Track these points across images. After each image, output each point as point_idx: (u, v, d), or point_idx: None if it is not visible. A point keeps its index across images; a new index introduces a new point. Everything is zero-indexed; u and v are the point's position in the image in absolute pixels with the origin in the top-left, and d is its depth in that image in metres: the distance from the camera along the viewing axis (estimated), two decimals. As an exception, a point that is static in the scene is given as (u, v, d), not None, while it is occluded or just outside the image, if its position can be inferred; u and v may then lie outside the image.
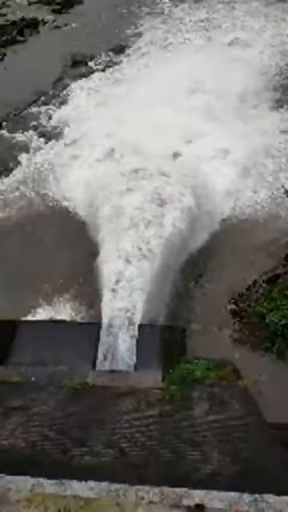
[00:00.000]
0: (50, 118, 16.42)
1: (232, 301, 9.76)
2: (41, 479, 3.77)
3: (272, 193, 12.41)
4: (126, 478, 4.13)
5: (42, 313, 9.78)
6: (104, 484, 3.81)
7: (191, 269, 10.45)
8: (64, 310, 9.84)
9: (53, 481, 3.75)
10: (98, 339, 8.39)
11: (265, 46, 18.91)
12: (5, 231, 12.06)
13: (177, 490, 3.78)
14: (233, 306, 9.67)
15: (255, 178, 12.83)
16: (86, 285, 10.08)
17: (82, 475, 3.96)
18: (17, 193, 13.28)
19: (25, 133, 15.68)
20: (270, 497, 3.62)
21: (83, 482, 3.81)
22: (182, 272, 10.32)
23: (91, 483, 3.81)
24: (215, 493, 3.72)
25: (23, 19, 23.21)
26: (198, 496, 3.71)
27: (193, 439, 5.71)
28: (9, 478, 3.77)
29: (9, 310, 9.49)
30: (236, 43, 19.33)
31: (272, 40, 19.40)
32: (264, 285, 9.96)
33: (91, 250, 10.47)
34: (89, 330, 8.67)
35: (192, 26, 21.29)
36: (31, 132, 15.75)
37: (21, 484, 3.72)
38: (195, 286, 10.24)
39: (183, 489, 3.79)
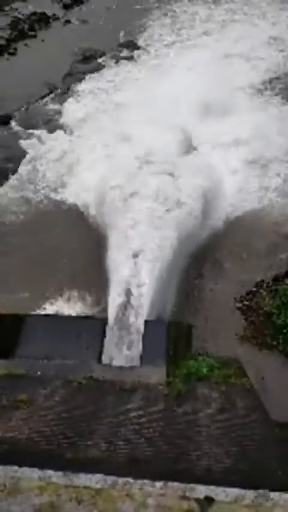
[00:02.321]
0: (60, 112, 16.42)
1: (239, 299, 9.74)
2: (49, 471, 3.82)
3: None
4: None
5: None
6: (110, 478, 3.84)
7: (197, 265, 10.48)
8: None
9: (60, 473, 3.79)
10: (104, 334, 8.41)
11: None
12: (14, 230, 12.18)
13: (181, 485, 3.79)
14: (240, 304, 9.65)
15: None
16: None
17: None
18: (25, 188, 13.32)
19: (35, 127, 15.69)
20: (274, 494, 3.62)
21: (89, 475, 3.84)
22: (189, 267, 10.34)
23: (97, 476, 3.84)
24: (219, 489, 3.72)
25: (34, 14, 23.22)
26: (202, 491, 3.72)
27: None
28: (16, 468, 3.82)
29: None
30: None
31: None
32: (271, 283, 9.93)
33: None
34: (95, 325, 8.69)
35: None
36: (41, 126, 15.76)
37: (30, 474, 3.77)
38: (201, 282, 10.25)
39: (187, 484, 3.81)
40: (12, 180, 13.58)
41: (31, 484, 3.71)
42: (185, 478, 4.12)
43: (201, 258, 10.67)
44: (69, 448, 5.25)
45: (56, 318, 9.39)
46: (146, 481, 3.86)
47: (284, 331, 8.87)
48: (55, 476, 3.81)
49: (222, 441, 5.52)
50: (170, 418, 6.20)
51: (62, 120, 15.99)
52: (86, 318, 9.53)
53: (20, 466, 3.97)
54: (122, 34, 21.19)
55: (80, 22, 22.90)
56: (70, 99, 17.05)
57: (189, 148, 13.67)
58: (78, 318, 9.54)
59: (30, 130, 15.53)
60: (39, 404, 6.43)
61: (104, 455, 5.02)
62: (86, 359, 7.81)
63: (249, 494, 3.65)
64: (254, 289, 9.88)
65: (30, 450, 4.98)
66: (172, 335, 8.32)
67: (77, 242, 11.36)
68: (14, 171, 13.84)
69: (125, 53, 19.84)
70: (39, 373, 7.27)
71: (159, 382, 6.96)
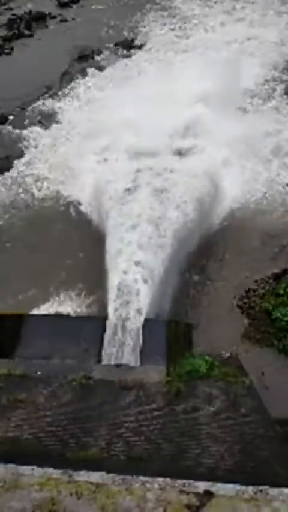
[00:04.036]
0: (56, 111, 16.38)
1: (239, 296, 9.75)
2: (48, 469, 3.83)
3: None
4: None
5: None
6: (110, 475, 3.85)
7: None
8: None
9: (59, 471, 3.80)
10: (103, 333, 8.40)
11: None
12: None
13: (181, 481, 3.81)
14: (240, 302, 9.66)
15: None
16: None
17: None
18: (21, 187, 13.29)
19: (32, 126, 15.65)
20: (272, 489, 3.64)
21: (89, 472, 3.85)
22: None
23: (97, 473, 3.86)
24: (218, 484, 3.74)
25: (30, 13, 23.19)
26: (201, 486, 3.73)
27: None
28: (15, 466, 3.83)
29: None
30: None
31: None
32: (270, 280, 9.93)
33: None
34: (95, 325, 8.69)
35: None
36: (38, 125, 15.72)
37: (30, 472, 3.78)
38: (201, 280, 10.25)
39: (187, 481, 3.82)
40: (8, 179, 13.55)
41: (31, 480, 3.73)
42: (185, 477, 4.14)
43: (200, 255, 10.68)
44: (69, 447, 5.27)
45: (56, 318, 9.39)
46: (145, 477, 3.87)
47: (284, 328, 8.89)
48: (55, 473, 3.83)
49: (223, 439, 5.54)
50: (170, 416, 6.21)
51: (58, 119, 15.93)
52: (86, 317, 9.53)
53: (20, 465, 3.99)
54: (118, 31, 21.17)
55: (76, 20, 22.87)
56: (67, 98, 17.01)
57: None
58: (78, 317, 9.54)
59: (27, 130, 15.46)
60: (39, 404, 6.43)
61: (104, 453, 5.04)
62: (85, 359, 7.81)
63: (249, 489, 3.67)
64: (254, 287, 9.89)
65: (30, 450, 4.99)
66: (172, 334, 8.32)
67: (75, 238, 11.37)
68: (10, 170, 13.79)
69: (121, 50, 19.85)
70: (39, 373, 7.27)
71: (159, 380, 6.97)
